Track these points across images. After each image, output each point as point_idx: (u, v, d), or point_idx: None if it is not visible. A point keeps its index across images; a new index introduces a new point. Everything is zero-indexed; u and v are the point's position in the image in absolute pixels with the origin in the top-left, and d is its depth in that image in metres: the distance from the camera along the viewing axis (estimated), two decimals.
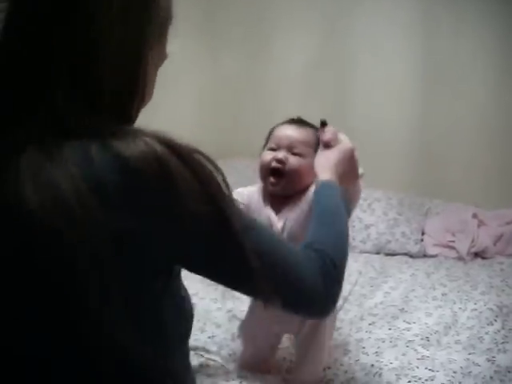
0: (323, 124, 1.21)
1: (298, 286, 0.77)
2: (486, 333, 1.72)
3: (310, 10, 2.85)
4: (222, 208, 0.67)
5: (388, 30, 2.73)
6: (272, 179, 1.32)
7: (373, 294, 2.08)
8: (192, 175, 0.65)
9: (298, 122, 1.42)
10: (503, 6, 2.49)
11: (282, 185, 1.32)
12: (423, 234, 2.50)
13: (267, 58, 3.01)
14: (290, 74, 2.96)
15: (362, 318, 1.90)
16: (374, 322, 1.86)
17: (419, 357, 1.63)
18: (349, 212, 1.07)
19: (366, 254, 2.44)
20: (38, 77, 0.65)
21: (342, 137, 1.17)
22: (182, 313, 0.76)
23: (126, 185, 0.61)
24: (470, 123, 2.65)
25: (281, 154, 1.32)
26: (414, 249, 2.43)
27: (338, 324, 1.87)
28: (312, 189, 1.30)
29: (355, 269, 2.28)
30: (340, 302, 2.00)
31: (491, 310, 1.85)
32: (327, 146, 1.14)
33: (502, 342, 1.65)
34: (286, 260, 0.77)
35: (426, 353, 1.65)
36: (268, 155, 1.35)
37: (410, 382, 1.50)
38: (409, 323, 1.84)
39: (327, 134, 1.16)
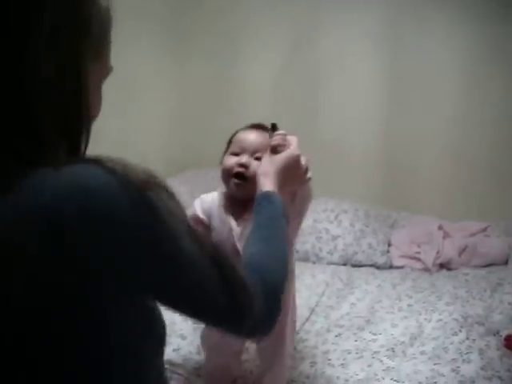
0: (274, 128, 1.19)
1: (234, 307, 0.74)
2: (451, 343, 1.72)
3: (278, 18, 2.87)
4: (174, 237, 0.67)
5: (354, 40, 2.75)
6: (236, 180, 1.33)
7: (339, 305, 2.07)
8: (148, 210, 0.64)
9: (260, 127, 1.41)
10: (469, 16, 2.54)
11: (246, 187, 1.31)
12: (389, 245, 2.50)
13: (235, 68, 3.01)
14: (258, 84, 2.96)
15: (328, 330, 1.88)
16: (340, 334, 1.85)
17: (385, 368, 1.62)
18: (301, 215, 1.14)
19: (333, 266, 2.43)
20: None
21: (292, 142, 1.15)
22: (152, 326, 0.73)
23: (81, 214, 0.60)
24: (436, 136, 2.68)
25: (244, 159, 1.33)
26: (381, 260, 2.44)
27: (304, 336, 1.85)
28: None
29: (322, 280, 2.27)
30: (307, 314, 1.99)
31: (456, 320, 1.86)
32: (274, 151, 1.12)
33: (467, 353, 1.65)
34: (226, 280, 0.73)
35: (392, 364, 1.64)
36: (231, 159, 1.35)
37: None
38: (375, 334, 1.83)
39: (275, 139, 1.15)
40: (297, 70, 2.87)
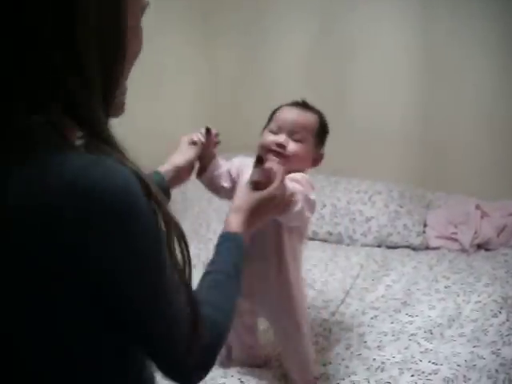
0: (258, 160, 1.13)
1: (179, 351, 0.71)
2: (491, 325, 1.68)
3: (307, 3, 2.81)
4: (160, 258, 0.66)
5: (388, 19, 2.67)
6: (273, 157, 1.31)
7: (374, 287, 2.04)
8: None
9: (302, 105, 1.41)
10: None
11: (282, 161, 1.31)
12: (425, 226, 2.45)
13: (265, 50, 2.97)
14: (289, 66, 2.92)
15: (363, 312, 1.86)
16: (375, 316, 1.83)
17: (422, 350, 1.60)
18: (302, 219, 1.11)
19: (368, 248, 2.39)
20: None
21: (277, 177, 1.09)
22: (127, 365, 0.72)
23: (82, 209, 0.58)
24: (473, 114, 2.60)
25: (282, 139, 1.33)
26: (416, 241, 2.39)
27: (339, 318, 1.84)
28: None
29: (356, 262, 2.24)
30: (341, 296, 1.97)
31: (495, 301, 1.81)
32: (255, 186, 1.07)
33: (507, 335, 1.62)
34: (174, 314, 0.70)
35: (430, 346, 1.62)
36: (269, 137, 1.35)
37: (413, 375, 1.47)
38: (411, 316, 1.81)
39: (257, 175, 1.09)
40: (329, 50, 2.81)
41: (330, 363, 1.60)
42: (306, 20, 2.83)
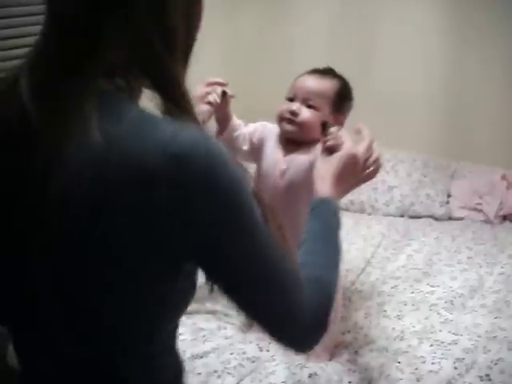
0: (324, 126, 1.11)
1: (289, 310, 0.69)
2: None
3: None
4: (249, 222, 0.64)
5: None
6: (285, 124, 1.38)
7: (396, 256, 2.02)
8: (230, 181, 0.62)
9: (323, 72, 1.42)
10: None
11: (294, 134, 1.39)
12: (449, 196, 2.41)
13: (288, 18, 2.91)
14: (312, 35, 2.85)
15: (384, 282, 1.85)
16: (396, 286, 1.81)
17: (442, 320, 1.59)
18: None
19: (390, 217, 2.36)
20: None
21: (346, 139, 1.05)
22: (185, 293, 0.71)
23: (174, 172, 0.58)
24: (498, 83, 2.51)
25: (295, 106, 1.36)
26: (440, 211, 2.35)
27: (359, 287, 1.83)
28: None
29: (378, 231, 2.22)
30: (362, 265, 1.96)
31: None
32: (328, 151, 1.04)
33: None
34: (285, 286, 0.69)
35: (450, 316, 1.60)
36: (283, 105, 1.39)
37: (432, 345, 1.46)
38: (432, 286, 1.79)
39: (330, 140, 1.06)
40: (353, 19, 2.73)
41: (349, 332, 1.60)
42: None
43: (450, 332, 1.52)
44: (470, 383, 1.32)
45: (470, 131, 2.60)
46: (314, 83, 1.38)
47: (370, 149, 1.04)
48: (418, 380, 1.34)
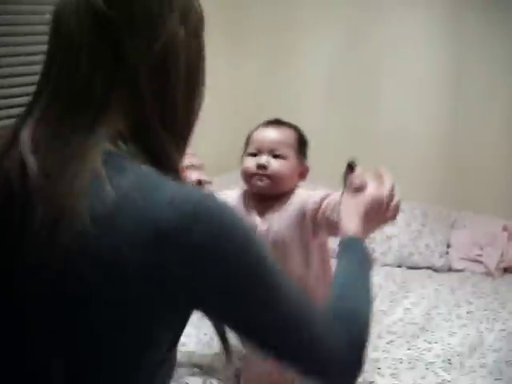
0: (351, 166, 1.08)
1: (322, 352, 0.66)
2: None
3: (333, 16, 2.75)
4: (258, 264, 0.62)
5: (414, 35, 2.60)
6: (257, 180, 1.31)
7: (392, 310, 1.95)
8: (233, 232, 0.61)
9: (276, 122, 1.39)
10: None
11: (267, 188, 1.31)
12: (449, 246, 2.35)
13: (290, 66, 2.91)
14: (314, 83, 2.85)
15: (379, 336, 1.77)
16: (392, 341, 1.74)
17: (439, 381, 1.51)
18: None
19: (388, 267, 2.30)
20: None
21: (370, 180, 1.02)
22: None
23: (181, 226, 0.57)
24: (501, 132, 2.49)
25: (263, 159, 1.31)
26: (439, 262, 2.29)
27: None
28: (298, 192, 1.33)
29: (375, 283, 2.12)
30: None
31: None
32: (357, 190, 1.00)
33: None
34: (312, 322, 0.66)
35: (448, 377, 1.53)
36: (250, 161, 1.34)
37: None
38: (430, 343, 1.72)
39: (357, 180, 1.02)
40: (354, 68, 2.74)
41: None
42: (331, 32, 2.77)
43: None
44: None
45: (471, 180, 2.56)
46: (275, 133, 1.34)
47: (392, 191, 1.00)
48: None
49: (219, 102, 2.94)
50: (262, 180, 1.30)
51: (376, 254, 2.35)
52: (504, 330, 1.75)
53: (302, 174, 1.38)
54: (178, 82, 0.66)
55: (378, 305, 1.98)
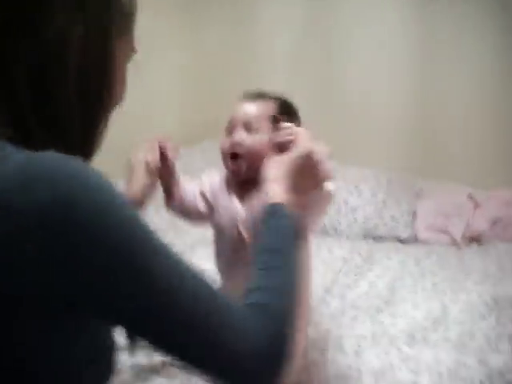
0: (275, 120, 1.00)
1: (232, 350, 0.59)
2: (479, 329, 1.55)
3: None
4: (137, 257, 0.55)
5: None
6: (232, 165, 1.21)
7: (357, 283, 1.91)
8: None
9: (252, 95, 1.27)
10: None
11: (243, 169, 1.20)
12: (414, 217, 2.31)
13: (252, 33, 2.82)
14: (276, 49, 2.77)
15: (343, 312, 1.73)
16: (356, 317, 1.70)
17: (403, 357, 1.47)
18: (315, 228, 0.97)
19: (353, 240, 2.25)
20: None
21: (300, 135, 0.96)
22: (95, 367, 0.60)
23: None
24: (467, 98, 2.44)
25: (236, 136, 1.20)
26: (404, 233, 2.25)
27: (317, 319, 1.71)
28: None
29: (340, 256, 2.10)
30: (321, 294, 1.84)
31: (485, 302, 1.68)
32: (280, 149, 0.95)
33: (496, 341, 1.48)
34: (220, 315, 0.59)
35: (411, 352, 1.49)
36: (224, 139, 1.23)
37: None
38: (394, 317, 1.67)
39: (281, 135, 0.97)
40: (318, 33, 2.65)
41: (306, 370, 1.48)
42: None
43: (410, 370, 1.40)
44: None
45: (436, 148, 2.52)
46: (249, 107, 1.23)
47: (322, 151, 0.94)
48: None
49: (181, 76, 2.83)
50: (235, 162, 1.19)
51: (341, 227, 2.31)
52: (468, 301, 1.71)
53: None
54: (64, 83, 0.59)
55: (343, 279, 1.94)
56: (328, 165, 0.96)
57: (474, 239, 2.17)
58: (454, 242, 2.16)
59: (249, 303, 0.64)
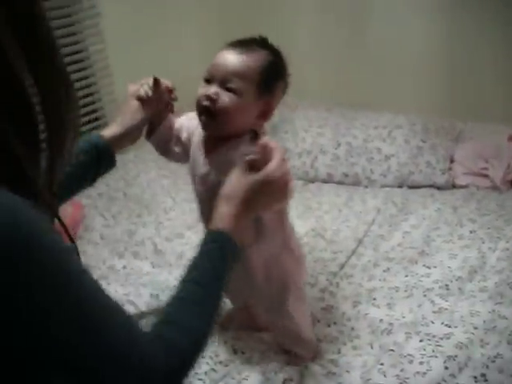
0: (253, 135, 0.95)
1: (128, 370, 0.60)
2: None
3: None
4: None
5: None
6: (203, 119, 1.09)
7: (391, 234, 1.86)
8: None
9: (246, 43, 1.10)
10: None
11: (213, 126, 1.09)
12: (452, 162, 2.21)
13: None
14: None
15: (376, 264, 1.69)
16: (389, 269, 1.66)
17: (436, 309, 1.43)
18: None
19: (387, 189, 2.18)
20: None
21: (275, 154, 0.92)
22: None
23: None
24: (503, 38, 2.27)
25: (212, 90, 1.07)
26: (441, 179, 2.16)
27: (348, 271, 1.68)
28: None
29: (373, 206, 2.05)
30: (353, 246, 1.80)
31: None
32: (250, 167, 0.91)
33: None
34: (116, 335, 0.59)
35: (445, 304, 1.45)
36: (201, 90, 1.09)
37: (421, 340, 1.31)
38: (429, 268, 1.63)
39: (252, 152, 0.92)
40: None
41: (335, 323, 1.46)
42: None
43: (443, 324, 1.36)
44: None
45: (474, 87, 2.38)
46: (233, 60, 1.07)
47: (282, 168, 0.92)
48: None
49: (204, 27, 2.75)
50: (208, 117, 1.08)
51: (375, 176, 2.24)
52: (508, 249, 1.64)
53: (264, 114, 1.11)
54: None
55: (376, 230, 1.90)
56: (291, 185, 0.96)
57: None
58: (495, 186, 2.06)
59: (158, 335, 0.67)
